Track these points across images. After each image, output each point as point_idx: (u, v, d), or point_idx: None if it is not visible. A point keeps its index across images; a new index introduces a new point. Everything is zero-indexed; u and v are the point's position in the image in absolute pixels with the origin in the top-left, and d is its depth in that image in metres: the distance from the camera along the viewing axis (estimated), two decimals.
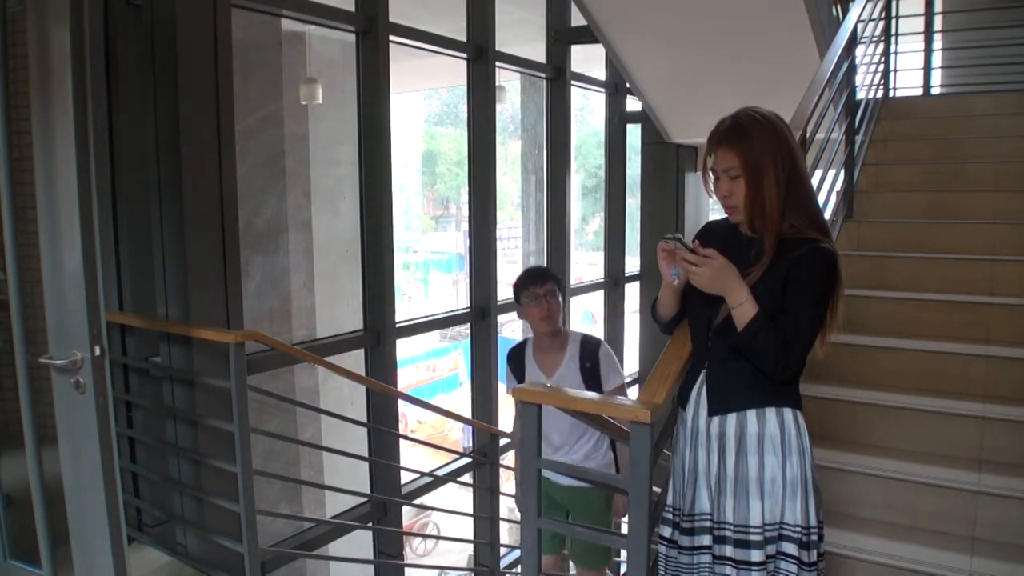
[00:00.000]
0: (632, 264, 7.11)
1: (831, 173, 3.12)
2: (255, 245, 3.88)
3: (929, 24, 5.69)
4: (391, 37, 4.20)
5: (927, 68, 5.51)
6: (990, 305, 2.83)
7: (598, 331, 7.43)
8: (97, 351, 1.93)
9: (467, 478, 5.05)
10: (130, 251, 3.08)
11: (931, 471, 2.40)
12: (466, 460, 4.96)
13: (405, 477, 4.44)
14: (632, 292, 7.13)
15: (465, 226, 6.39)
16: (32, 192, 1.96)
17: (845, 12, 4.02)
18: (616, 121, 6.91)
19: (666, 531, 1.83)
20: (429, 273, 16.20)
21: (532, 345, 2.95)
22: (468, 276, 5.20)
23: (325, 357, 3.66)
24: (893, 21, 4.98)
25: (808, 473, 1.68)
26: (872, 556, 2.29)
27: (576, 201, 9.59)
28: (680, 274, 1.72)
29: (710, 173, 1.74)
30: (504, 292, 6.25)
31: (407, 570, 5.58)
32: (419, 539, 8.72)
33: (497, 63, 5.10)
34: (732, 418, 1.70)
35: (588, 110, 10.02)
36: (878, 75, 4.47)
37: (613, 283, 6.96)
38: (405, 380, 10.45)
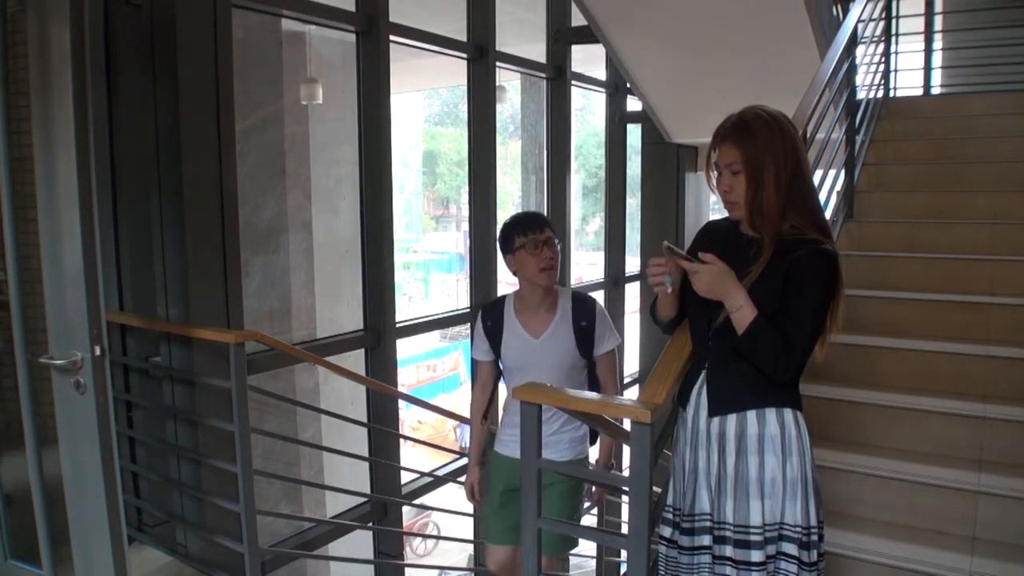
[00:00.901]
0: (632, 264, 7.11)
1: (831, 173, 3.12)
2: (255, 245, 3.88)
3: (929, 24, 5.69)
4: (391, 37, 4.20)
5: (927, 68, 5.51)
6: (990, 305, 2.83)
7: None
8: (97, 351, 1.93)
9: None
10: (130, 251, 3.08)
11: (931, 471, 2.40)
12: (466, 460, 4.96)
13: (405, 477, 4.44)
14: (632, 292, 7.13)
15: (465, 226, 6.39)
16: (32, 192, 1.96)
17: (845, 12, 4.01)
18: (616, 121, 6.91)
19: (666, 531, 1.83)
20: (429, 273, 16.19)
21: (513, 302, 2.58)
22: (468, 276, 5.20)
23: (325, 357, 3.66)
24: (893, 21, 4.98)
25: (808, 473, 1.68)
26: (872, 556, 2.29)
27: (576, 201, 9.59)
28: (672, 280, 1.73)
29: (713, 168, 1.75)
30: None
31: (407, 570, 5.59)
32: (419, 539, 8.72)
33: (497, 63, 5.10)
34: (732, 418, 1.70)
35: (588, 110, 10.01)
36: (878, 75, 4.46)
37: (613, 283, 6.96)
38: (405, 380, 10.45)
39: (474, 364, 2.76)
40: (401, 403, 4.65)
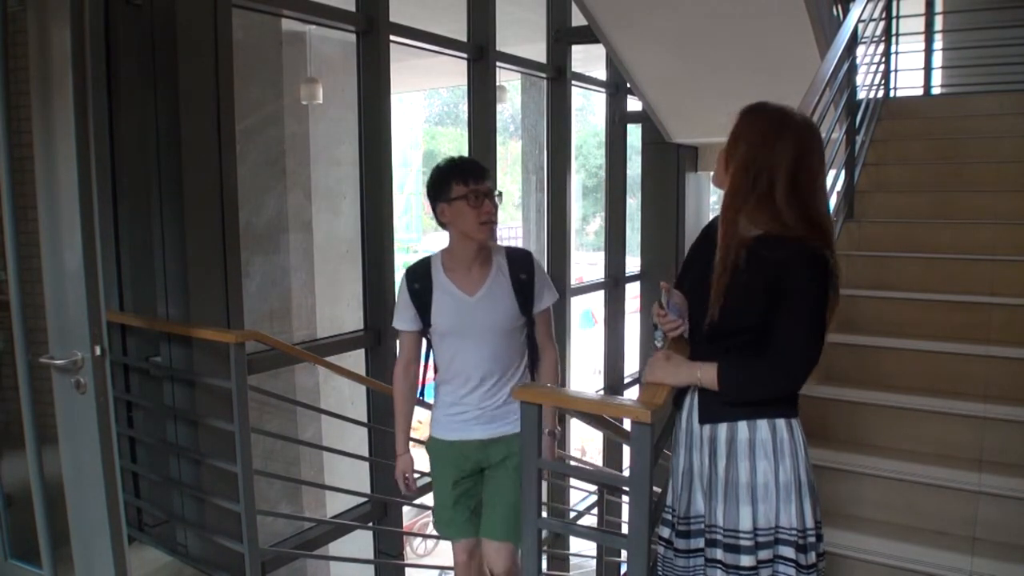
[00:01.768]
0: (632, 264, 7.11)
1: (831, 173, 3.12)
2: (255, 245, 3.88)
3: (930, 24, 5.68)
4: (391, 37, 4.21)
5: (928, 68, 5.51)
6: (990, 305, 2.83)
7: (598, 331, 7.44)
8: (98, 351, 1.93)
9: None
10: (130, 251, 3.08)
11: (931, 471, 2.40)
12: None
13: None
14: (632, 292, 7.13)
15: None
16: (32, 192, 1.96)
17: (845, 12, 4.01)
18: (616, 121, 6.91)
19: (664, 532, 1.82)
20: None
21: (441, 261, 2.30)
22: None
23: (325, 357, 3.66)
24: (894, 21, 4.97)
25: (802, 476, 1.67)
26: (872, 556, 2.29)
27: (576, 201, 9.60)
28: (661, 336, 1.79)
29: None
30: None
31: (407, 570, 5.57)
32: (419, 539, 8.71)
33: (498, 63, 5.10)
34: (723, 426, 1.69)
35: (588, 110, 10.02)
36: (879, 75, 4.46)
37: (613, 283, 6.96)
38: None
39: (398, 338, 2.45)
40: None
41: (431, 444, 2.40)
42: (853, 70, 3.68)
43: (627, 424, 1.71)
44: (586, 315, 10.19)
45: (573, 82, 6.06)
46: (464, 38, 4.97)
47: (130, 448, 3.16)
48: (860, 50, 4.01)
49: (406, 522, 5.70)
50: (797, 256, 1.60)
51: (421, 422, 2.69)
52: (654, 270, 6.82)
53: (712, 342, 1.71)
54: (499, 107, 5.25)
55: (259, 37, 3.88)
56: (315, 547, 3.87)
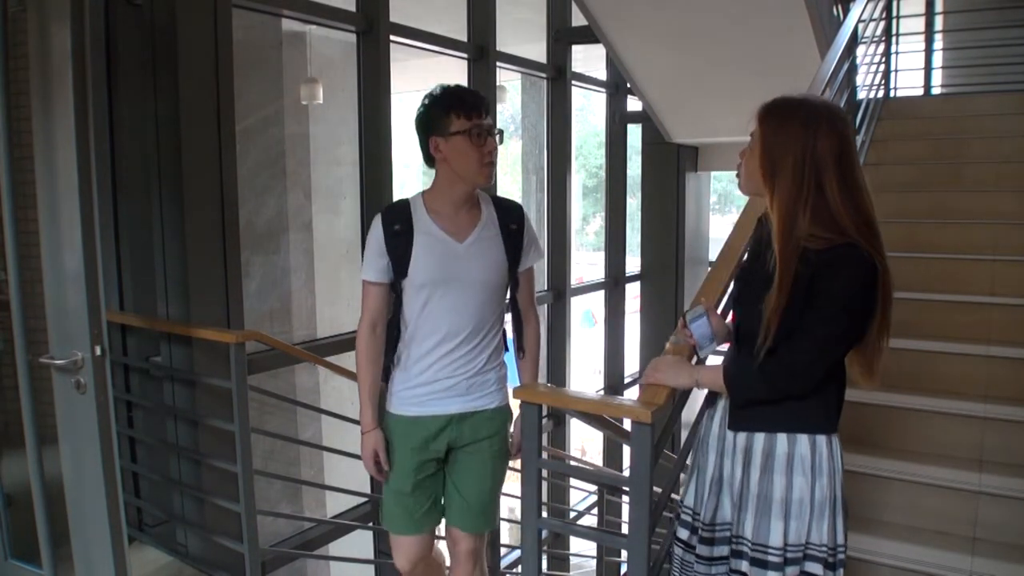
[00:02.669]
0: (632, 264, 7.11)
1: None
2: (255, 245, 3.88)
3: (930, 24, 5.69)
4: (392, 37, 4.21)
5: (928, 68, 5.51)
6: (991, 305, 2.83)
7: (598, 331, 7.44)
8: (98, 351, 1.93)
9: None
10: (131, 251, 3.08)
11: (931, 471, 2.39)
12: None
13: None
14: (632, 292, 7.13)
15: None
16: (32, 192, 1.96)
17: (846, 12, 4.02)
18: (616, 121, 6.91)
19: (683, 534, 1.76)
20: None
21: (423, 203, 2.02)
22: None
23: (325, 357, 3.66)
24: (894, 21, 4.98)
25: (837, 492, 1.61)
26: (872, 556, 2.28)
27: (576, 201, 9.59)
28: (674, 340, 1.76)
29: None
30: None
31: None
32: None
33: (498, 63, 5.10)
34: (760, 436, 1.62)
35: (588, 110, 10.01)
36: (879, 75, 4.46)
37: (613, 283, 6.96)
38: None
39: (363, 293, 2.07)
40: None
41: (390, 423, 2.09)
42: (853, 70, 3.69)
43: (627, 424, 1.71)
44: (586, 315, 10.19)
45: (573, 82, 6.06)
46: (464, 38, 4.97)
47: (130, 448, 3.16)
48: (860, 50, 4.02)
49: None
50: (842, 259, 1.51)
51: None
52: (654, 270, 6.82)
53: (744, 342, 1.64)
54: (499, 107, 5.25)
55: (259, 37, 3.88)
56: (315, 547, 3.86)
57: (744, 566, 1.63)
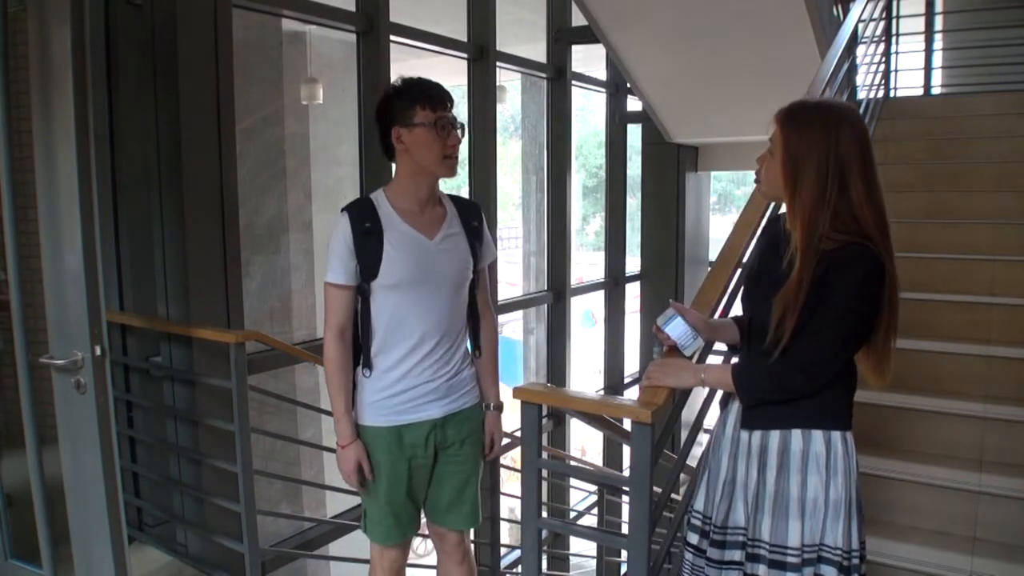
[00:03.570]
0: (632, 264, 7.11)
1: None
2: (256, 245, 3.88)
3: (930, 24, 5.70)
4: (392, 37, 4.20)
5: (928, 68, 5.51)
6: (991, 305, 2.83)
7: (598, 331, 7.44)
8: (98, 351, 1.93)
9: None
10: (131, 251, 3.08)
11: (931, 471, 2.39)
12: None
13: None
14: (632, 292, 7.13)
15: None
16: (32, 192, 1.96)
17: (846, 12, 4.02)
18: (616, 121, 6.92)
19: (693, 538, 1.73)
20: None
21: (387, 199, 1.99)
22: None
23: None
24: (894, 21, 4.98)
25: (852, 494, 1.59)
26: (872, 556, 2.27)
27: (576, 201, 9.59)
28: (659, 351, 1.75)
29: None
30: (504, 292, 6.25)
31: (407, 570, 5.58)
32: (419, 539, 8.70)
33: (498, 63, 5.10)
34: (775, 433, 1.61)
35: (588, 110, 10.00)
36: (879, 75, 4.46)
37: (613, 283, 6.96)
38: None
39: (327, 298, 1.99)
40: None
41: (368, 436, 2.05)
42: (853, 70, 3.69)
43: (627, 424, 1.71)
44: (586, 315, 10.19)
45: (573, 82, 6.06)
46: (464, 38, 4.97)
47: (130, 448, 3.16)
48: (860, 50, 4.02)
49: None
50: (852, 257, 1.52)
51: None
52: (654, 270, 6.82)
53: (754, 340, 1.64)
54: (499, 107, 5.25)
55: (259, 37, 3.88)
56: (315, 547, 3.86)
57: (761, 570, 1.60)
